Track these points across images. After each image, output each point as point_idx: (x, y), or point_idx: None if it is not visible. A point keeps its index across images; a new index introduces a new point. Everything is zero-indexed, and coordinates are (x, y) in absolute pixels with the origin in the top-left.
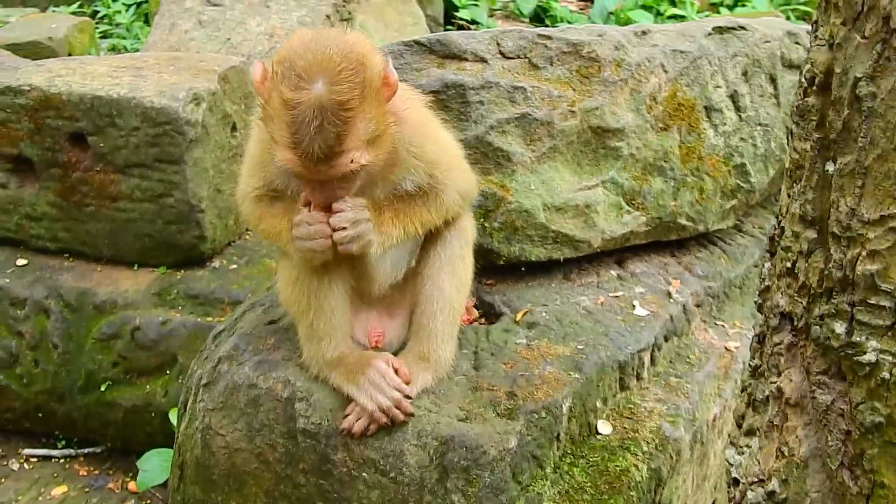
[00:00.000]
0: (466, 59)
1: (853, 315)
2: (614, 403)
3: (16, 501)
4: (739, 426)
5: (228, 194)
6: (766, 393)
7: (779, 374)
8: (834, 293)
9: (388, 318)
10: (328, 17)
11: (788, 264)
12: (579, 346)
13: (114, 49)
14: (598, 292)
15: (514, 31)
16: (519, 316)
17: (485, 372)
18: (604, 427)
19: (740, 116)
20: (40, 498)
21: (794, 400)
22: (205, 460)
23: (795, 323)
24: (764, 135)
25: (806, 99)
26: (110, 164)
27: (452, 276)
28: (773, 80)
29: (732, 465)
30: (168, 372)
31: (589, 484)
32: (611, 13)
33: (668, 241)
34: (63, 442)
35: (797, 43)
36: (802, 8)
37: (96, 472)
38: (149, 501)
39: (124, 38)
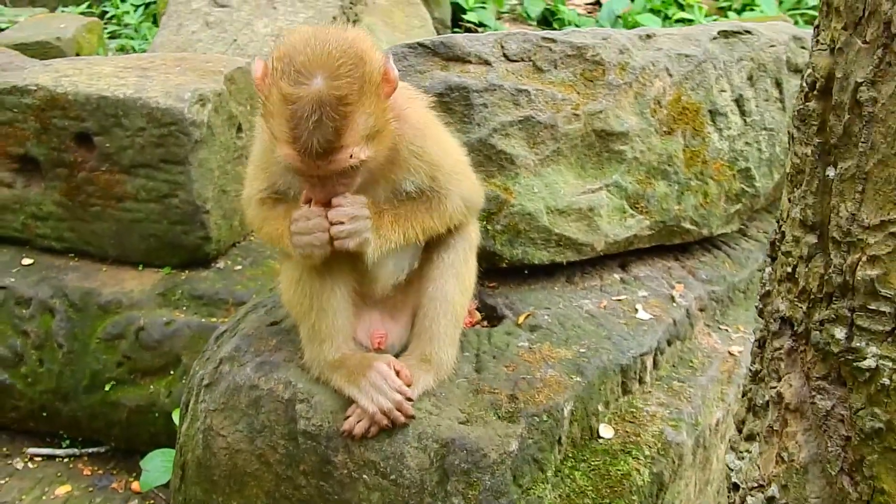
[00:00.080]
0: (470, 62)
1: (853, 320)
2: (616, 407)
3: (20, 500)
4: (740, 431)
5: (234, 195)
6: (767, 398)
7: (779, 379)
8: (834, 298)
9: (391, 320)
10: (335, 18)
11: (789, 269)
12: (581, 350)
13: (122, 49)
14: (600, 296)
15: (519, 34)
16: (521, 319)
17: (486, 375)
18: (605, 431)
19: (745, 121)
20: (44, 497)
21: (794, 405)
22: (206, 461)
23: (795, 328)
24: (769, 139)
25: (807, 103)
26: (116, 164)
27: (456, 279)
28: (778, 85)
29: (732, 469)
30: (172, 372)
31: (590, 488)
32: (619, 17)
33: (671, 244)
34: (67, 441)
35: (803, 48)
36: (811, 12)
37: (100, 471)
38: (152, 501)
39: (132, 38)
